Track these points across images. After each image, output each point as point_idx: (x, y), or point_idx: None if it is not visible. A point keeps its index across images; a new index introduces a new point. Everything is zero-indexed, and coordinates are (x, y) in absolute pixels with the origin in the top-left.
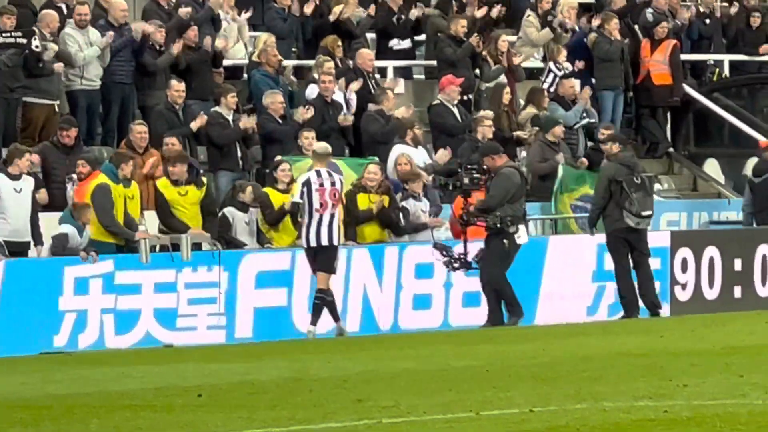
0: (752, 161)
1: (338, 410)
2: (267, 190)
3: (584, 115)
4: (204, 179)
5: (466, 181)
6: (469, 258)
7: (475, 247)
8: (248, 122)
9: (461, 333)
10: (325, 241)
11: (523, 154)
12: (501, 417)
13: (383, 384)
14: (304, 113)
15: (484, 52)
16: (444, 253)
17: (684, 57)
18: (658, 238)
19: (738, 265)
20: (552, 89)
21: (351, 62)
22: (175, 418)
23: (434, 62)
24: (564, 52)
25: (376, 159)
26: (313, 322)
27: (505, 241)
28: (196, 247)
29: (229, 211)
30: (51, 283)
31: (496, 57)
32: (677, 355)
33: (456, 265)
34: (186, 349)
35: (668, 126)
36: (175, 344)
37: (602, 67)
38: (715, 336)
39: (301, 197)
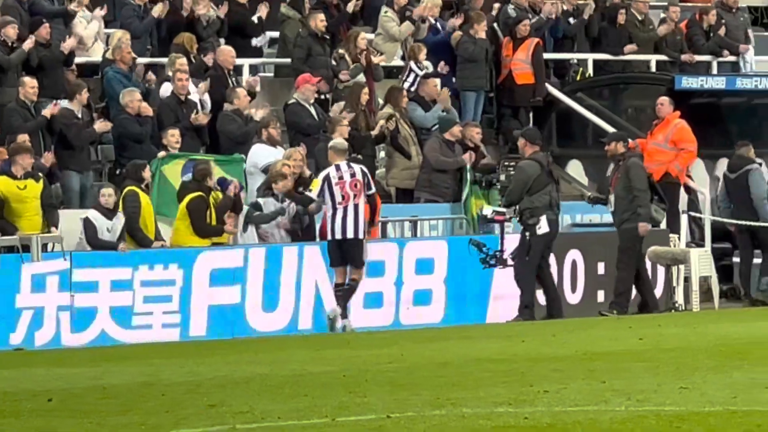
0: (723, 161)
1: (191, 416)
2: (133, 188)
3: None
4: (40, 173)
5: (502, 177)
6: (506, 255)
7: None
8: (105, 126)
9: (315, 337)
10: (350, 234)
11: (382, 154)
12: (357, 423)
13: (237, 389)
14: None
15: (341, 50)
16: (480, 249)
17: (547, 56)
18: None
19: (601, 268)
20: (413, 89)
21: (210, 59)
22: (24, 424)
23: (288, 60)
24: (425, 51)
25: (243, 156)
26: (343, 312)
27: (527, 234)
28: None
29: (93, 215)
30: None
31: (354, 56)
32: (538, 361)
33: (492, 261)
34: (37, 352)
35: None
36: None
37: (466, 68)
38: (577, 341)
39: (321, 194)
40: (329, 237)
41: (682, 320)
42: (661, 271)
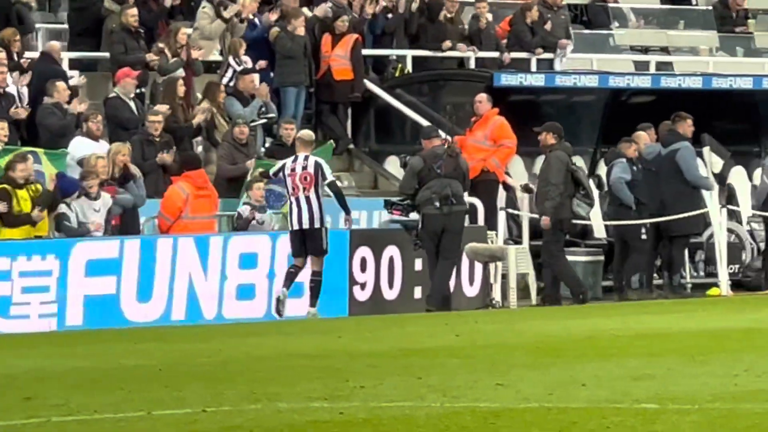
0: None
1: (6, 409)
2: None
3: (263, 110)
4: None
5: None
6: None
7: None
8: None
9: (134, 330)
10: (306, 224)
11: (200, 148)
12: (173, 417)
13: (53, 382)
14: None
15: (161, 45)
16: (409, 233)
17: (366, 52)
18: (336, 237)
19: (418, 265)
20: (231, 84)
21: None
22: None
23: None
24: (244, 47)
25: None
26: (312, 304)
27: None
28: None
29: None
30: None
31: (174, 50)
32: (355, 357)
33: (420, 243)
34: None
35: (349, 122)
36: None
37: (284, 63)
38: (394, 337)
39: (275, 175)
40: (290, 228)
41: (499, 317)
42: (478, 268)
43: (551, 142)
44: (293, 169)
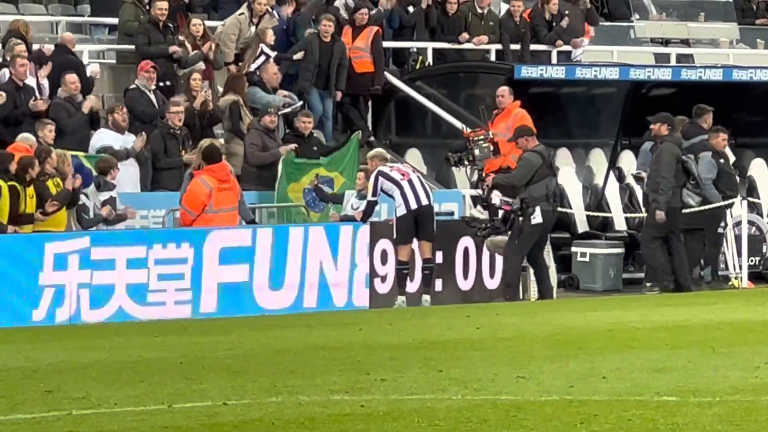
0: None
1: (27, 401)
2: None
3: (288, 100)
4: None
5: (476, 152)
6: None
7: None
8: None
9: (153, 323)
10: (425, 200)
11: (221, 141)
12: (193, 410)
13: (74, 375)
14: None
15: (182, 38)
16: (471, 225)
17: (386, 44)
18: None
19: (439, 257)
20: (258, 71)
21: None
22: None
23: (127, 47)
24: (271, 34)
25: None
26: (427, 291)
27: (522, 221)
28: None
29: None
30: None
31: (194, 43)
32: (375, 349)
33: (483, 233)
34: None
35: (370, 115)
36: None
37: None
38: (414, 329)
39: (375, 193)
40: (404, 211)
41: (520, 309)
42: (499, 260)
43: (664, 133)
44: (391, 166)
